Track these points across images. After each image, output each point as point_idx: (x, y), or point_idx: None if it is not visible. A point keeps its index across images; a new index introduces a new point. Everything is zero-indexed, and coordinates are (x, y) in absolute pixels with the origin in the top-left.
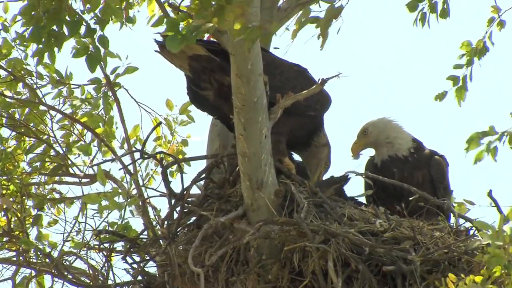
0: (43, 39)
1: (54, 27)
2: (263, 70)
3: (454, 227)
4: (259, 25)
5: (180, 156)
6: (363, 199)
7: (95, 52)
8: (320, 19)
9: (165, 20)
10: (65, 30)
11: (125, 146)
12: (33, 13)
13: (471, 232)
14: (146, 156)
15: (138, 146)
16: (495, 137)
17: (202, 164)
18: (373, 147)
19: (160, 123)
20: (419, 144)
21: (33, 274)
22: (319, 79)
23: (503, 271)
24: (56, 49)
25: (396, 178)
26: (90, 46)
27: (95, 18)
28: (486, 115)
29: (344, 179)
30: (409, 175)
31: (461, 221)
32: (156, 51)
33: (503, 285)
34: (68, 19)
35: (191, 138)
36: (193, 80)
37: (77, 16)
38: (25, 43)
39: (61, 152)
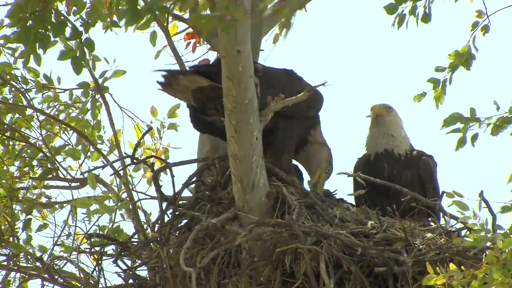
0: (29, 41)
1: (41, 29)
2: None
3: (446, 228)
4: (220, 15)
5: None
6: (353, 200)
7: (81, 55)
8: (283, 8)
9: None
10: (50, 32)
11: (114, 150)
12: (20, 15)
13: (463, 232)
14: (137, 161)
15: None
16: (475, 123)
17: (192, 168)
18: (379, 127)
19: (151, 128)
20: (412, 147)
21: (20, 279)
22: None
23: (501, 277)
24: (41, 51)
25: (385, 174)
26: (78, 50)
27: (80, 21)
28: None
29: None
30: (398, 173)
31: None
32: (159, 89)
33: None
34: (54, 21)
35: (172, 147)
36: (198, 109)
37: (63, 17)
38: (8, 45)
39: (49, 156)
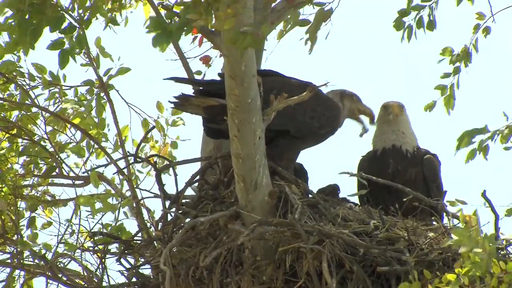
0: (26, 33)
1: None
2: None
3: (448, 227)
4: (251, 32)
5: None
6: (356, 199)
7: (70, 49)
8: (309, 22)
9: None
10: (45, 25)
11: (119, 148)
12: (19, 5)
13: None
14: (140, 159)
15: (127, 146)
16: (487, 135)
17: (195, 167)
18: (390, 124)
19: (154, 127)
20: (418, 146)
21: (24, 276)
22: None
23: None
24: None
25: (390, 170)
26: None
27: (77, 17)
28: (476, 120)
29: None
30: (403, 170)
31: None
32: (172, 107)
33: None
34: (52, 15)
35: (180, 140)
36: (209, 120)
37: (61, 12)
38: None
39: (54, 153)
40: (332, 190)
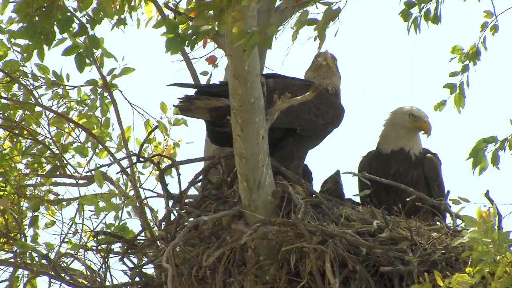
0: (35, 36)
1: (46, 25)
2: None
3: (451, 227)
4: (259, 30)
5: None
6: (358, 199)
7: (85, 52)
8: (317, 22)
9: (163, 20)
10: (56, 28)
11: (123, 148)
12: (27, 10)
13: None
14: (143, 159)
15: (130, 147)
16: (497, 146)
17: (198, 166)
18: (409, 131)
19: (157, 126)
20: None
21: (26, 276)
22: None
23: (488, 270)
24: (45, 47)
25: (392, 171)
26: (82, 47)
27: (86, 17)
28: (486, 119)
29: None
30: (404, 171)
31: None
32: (179, 113)
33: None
34: (60, 17)
35: (183, 142)
36: (214, 122)
37: (69, 13)
38: (16, 41)
39: (57, 153)
40: (336, 173)
